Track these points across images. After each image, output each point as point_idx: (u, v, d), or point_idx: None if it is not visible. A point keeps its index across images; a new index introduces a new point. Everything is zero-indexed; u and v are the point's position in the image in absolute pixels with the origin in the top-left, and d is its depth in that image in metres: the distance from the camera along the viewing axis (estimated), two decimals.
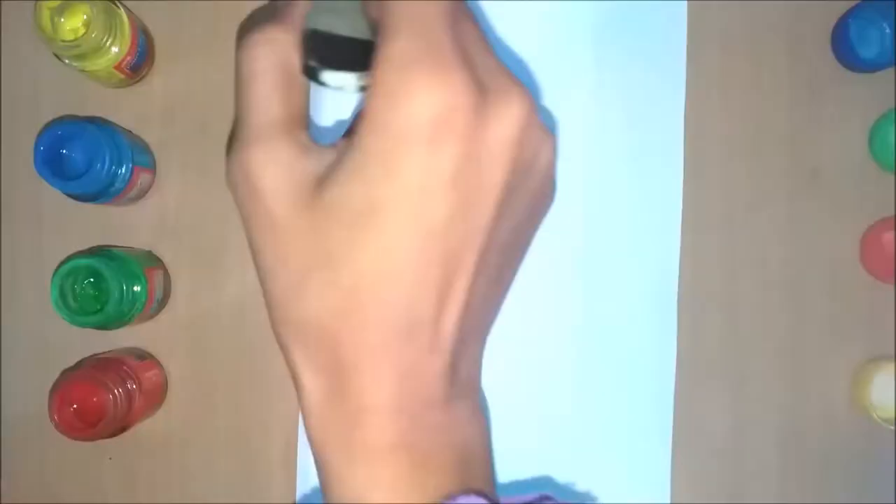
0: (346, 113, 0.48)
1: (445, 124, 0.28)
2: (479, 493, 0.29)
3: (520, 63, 0.51)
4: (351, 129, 0.31)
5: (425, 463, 0.29)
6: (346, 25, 0.32)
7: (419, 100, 0.27)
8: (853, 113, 0.51)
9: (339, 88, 0.31)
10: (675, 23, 0.51)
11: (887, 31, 0.48)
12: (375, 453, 0.29)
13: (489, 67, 0.30)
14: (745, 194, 0.51)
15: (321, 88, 0.32)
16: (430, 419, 0.30)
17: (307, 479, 0.50)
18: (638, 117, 0.51)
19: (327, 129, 0.48)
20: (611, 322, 0.51)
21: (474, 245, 0.29)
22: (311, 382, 0.30)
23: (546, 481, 0.50)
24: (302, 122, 0.31)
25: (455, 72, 0.28)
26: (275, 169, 0.29)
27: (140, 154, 0.48)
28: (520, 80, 0.30)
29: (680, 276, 0.51)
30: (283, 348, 0.31)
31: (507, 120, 0.29)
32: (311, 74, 0.31)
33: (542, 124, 0.31)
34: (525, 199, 0.32)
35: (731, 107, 0.51)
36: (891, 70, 0.50)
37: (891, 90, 0.51)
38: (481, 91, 0.29)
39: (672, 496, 0.51)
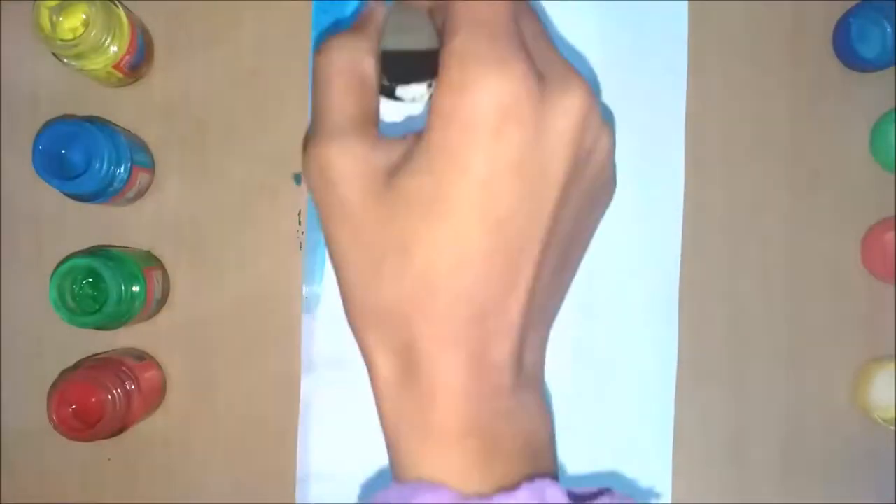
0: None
1: (508, 114, 0.28)
2: (552, 478, 0.30)
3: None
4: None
5: (495, 448, 0.30)
6: (417, 40, 0.34)
7: (481, 91, 0.28)
8: (854, 113, 0.51)
9: (413, 100, 0.33)
10: (676, 22, 0.51)
11: (888, 30, 0.48)
12: (447, 437, 0.29)
13: (549, 60, 0.31)
14: (747, 194, 0.51)
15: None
16: (498, 405, 0.30)
17: (307, 479, 0.50)
18: (639, 117, 0.51)
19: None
20: (612, 322, 0.51)
21: (539, 233, 0.30)
22: (385, 365, 0.31)
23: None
24: (374, 120, 0.33)
25: (515, 63, 0.29)
26: (349, 161, 0.31)
27: (139, 154, 0.48)
28: (580, 73, 0.31)
29: (681, 276, 0.51)
30: (357, 333, 0.32)
31: (567, 110, 0.30)
32: (387, 93, 0.33)
33: (600, 116, 0.32)
34: (585, 189, 0.32)
35: (732, 106, 0.51)
36: (892, 70, 0.50)
37: (892, 90, 0.51)
38: (541, 82, 0.29)
39: (673, 496, 0.51)
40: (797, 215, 0.51)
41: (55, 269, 0.45)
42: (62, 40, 0.44)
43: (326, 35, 0.35)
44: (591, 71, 0.50)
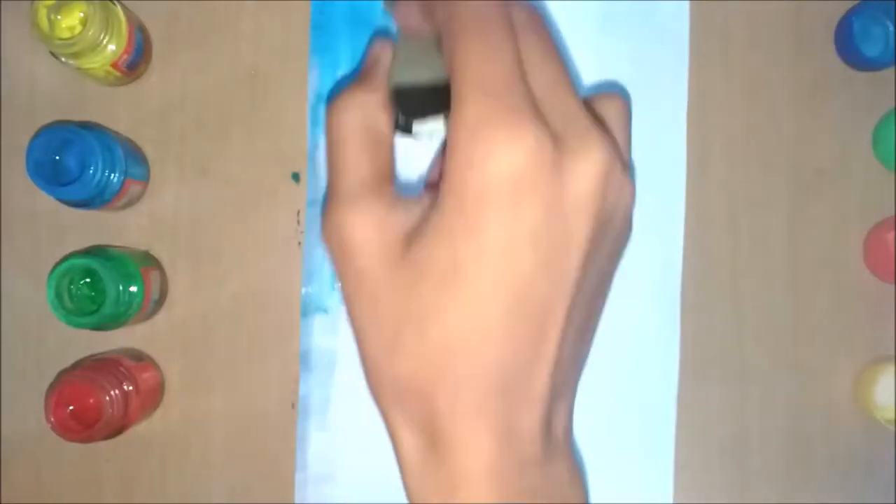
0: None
1: (523, 182, 0.28)
2: None
3: None
4: (430, 183, 0.32)
5: None
6: (428, 72, 0.33)
7: (495, 160, 0.28)
8: (856, 112, 0.51)
9: (430, 136, 0.33)
10: (677, 21, 0.51)
11: (891, 29, 0.48)
12: None
13: (566, 114, 0.30)
14: (748, 194, 0.51)
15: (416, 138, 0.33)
16: (528, 481, 0.29)
17: (307, 479, 0.50)
18: (640, 117, 0.50)
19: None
20: (614, 321, 0.50)
21: (562, 299, 0.29)
22: (409, 442, 0.30)
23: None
24: (389, 179, 0.32)
25: (528, 130, 0.28)
26: (365, 227, 0.30)
27: (134, 166, 0.48)
28: (599, 126, 0.30)
29: (683, 276, 0.51)
30: (379, 405, 0.31)
31: (585, 173, 0.29)
32: (403, 129, 0.33)
33: (621, 171, 0.31)
34: (607, 247, 0.32)
35: (734, 106, 0.51)
36: (894, 68, 0.50)
37: (894, 89, 0.51)
38: (557, 145, 0.28)
39: (675, 496, 0.51)
40: (799, 214, 0.51)
41: (53, 269, 0.45)
42: (60, 39, 0.44)
43: (336, 89, 0.35)
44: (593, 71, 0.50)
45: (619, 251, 0.34)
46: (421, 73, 0.33)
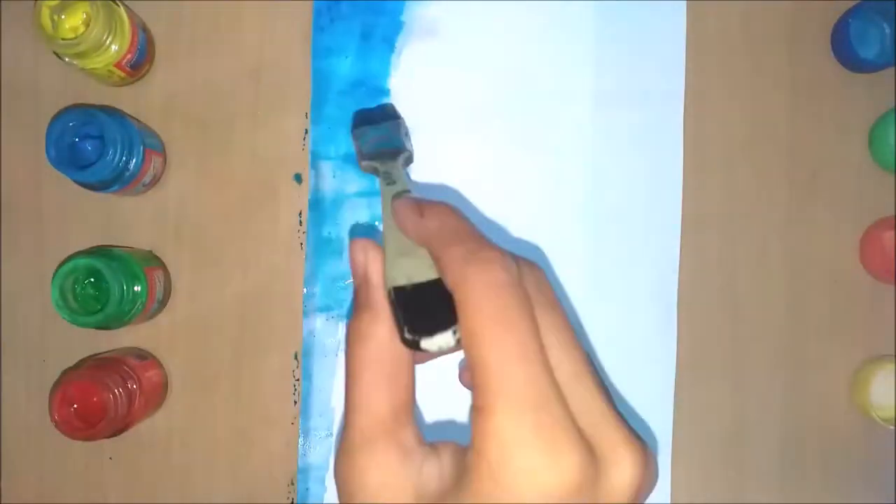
0: None
1: (557, 500, 0.26)
2: None
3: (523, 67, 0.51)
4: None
5: None
6: (424, 265, 0.31)
7: (527, 486, 0.26)
8: (853, 113, 0.51)
9: (440, 350, 0.30)
10: (674, 23, 0.51)
11: (887, 31, 0.49)
12: None
13: (596, 420, 0.28)
14: (745, 194, 0.51)
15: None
16: None
17: (307, 479, 0.50)
18: (637, 117, 0.51)
19: None
20: (611, 322, 0.51)
21: None
22: None
23: None
24: (409, 409, 0.31)
25: (571, 456, 0.26)
26: (380, 472, 0.29)
27: (150, 138, 0.48)
28: (629, 430, 0.29)
29: (680, 276, 0.51)
30: None
31: (622, 484, 0.28)
32: (412, 345, 0.30)
33: (653, 469, 0.30)
34: None
35: (731, 107, 0.51)
36: (891, 70, 0.51)
37: (891, 90, 0.51)
38: (593, 462, 0.27)
39: (672, 496, 0.51)
40: (796, 215, 0.51)
41: (57, 269, 0.45)
42: (63, 39, 0.44)
43: (348, 324, 0.31)
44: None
45: None
46: (417, 269, 0.31)
